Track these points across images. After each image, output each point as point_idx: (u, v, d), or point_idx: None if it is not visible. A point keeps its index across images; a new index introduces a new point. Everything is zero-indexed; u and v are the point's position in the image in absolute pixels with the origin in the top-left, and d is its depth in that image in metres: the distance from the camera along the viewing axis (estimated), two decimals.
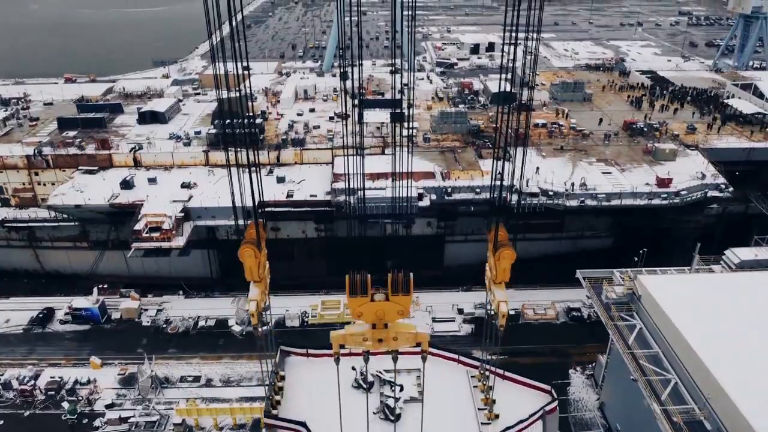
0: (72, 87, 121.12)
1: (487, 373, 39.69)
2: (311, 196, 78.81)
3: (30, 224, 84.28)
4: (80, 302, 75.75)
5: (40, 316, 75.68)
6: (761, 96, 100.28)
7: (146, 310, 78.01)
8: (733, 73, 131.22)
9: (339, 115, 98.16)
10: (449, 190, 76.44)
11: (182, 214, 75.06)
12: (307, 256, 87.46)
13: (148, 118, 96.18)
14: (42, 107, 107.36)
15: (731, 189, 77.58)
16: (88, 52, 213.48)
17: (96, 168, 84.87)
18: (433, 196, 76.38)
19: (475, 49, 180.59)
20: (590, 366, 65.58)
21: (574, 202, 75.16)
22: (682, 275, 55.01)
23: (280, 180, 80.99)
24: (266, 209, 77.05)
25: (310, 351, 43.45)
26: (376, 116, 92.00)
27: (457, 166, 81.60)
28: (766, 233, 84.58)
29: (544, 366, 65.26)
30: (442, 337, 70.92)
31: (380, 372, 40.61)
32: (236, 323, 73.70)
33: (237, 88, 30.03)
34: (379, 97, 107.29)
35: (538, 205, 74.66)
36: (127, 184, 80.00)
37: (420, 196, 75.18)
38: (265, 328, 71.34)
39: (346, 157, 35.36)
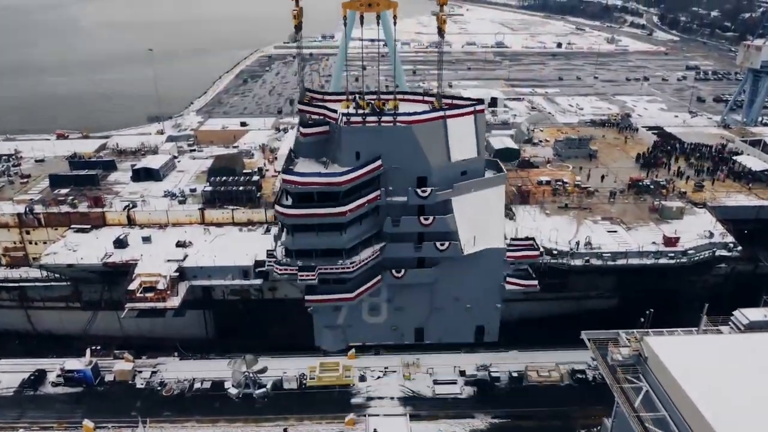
0: (64, 143, 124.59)
1: None
2: None
3: (21, 284, 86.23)
4: (73, 364, 77.08)
5: (32, 378, 76.86)
6: None
7: (140, 371, 79.26)
8: (742, 128, 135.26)
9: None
10: None
11: (177, 274, 76.96)
12: (307, 316, 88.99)
13: (142, 175, 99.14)
14: (33, 164, 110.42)
15: (740, 248, 79.58)
16: (81, 108, 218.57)
17: (89, 226, 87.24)
18: None
19: None
20: (595, 429, 66.37)
21: (578, 262, 77.28)
22: (690, 336, 56.42)
23: (277, 239, 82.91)
24: (264, 269, 79.24)
25: None
26: None
27: None
28: None
29: (549, 430, 66.13)
30: (443, 400, 71.92)
31: None
32: (233, 386, 74.75)
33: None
34: None
35: (542, 264, 76.47)
36: (120, 243, 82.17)
37: None
38: (261, 390, 72.76)
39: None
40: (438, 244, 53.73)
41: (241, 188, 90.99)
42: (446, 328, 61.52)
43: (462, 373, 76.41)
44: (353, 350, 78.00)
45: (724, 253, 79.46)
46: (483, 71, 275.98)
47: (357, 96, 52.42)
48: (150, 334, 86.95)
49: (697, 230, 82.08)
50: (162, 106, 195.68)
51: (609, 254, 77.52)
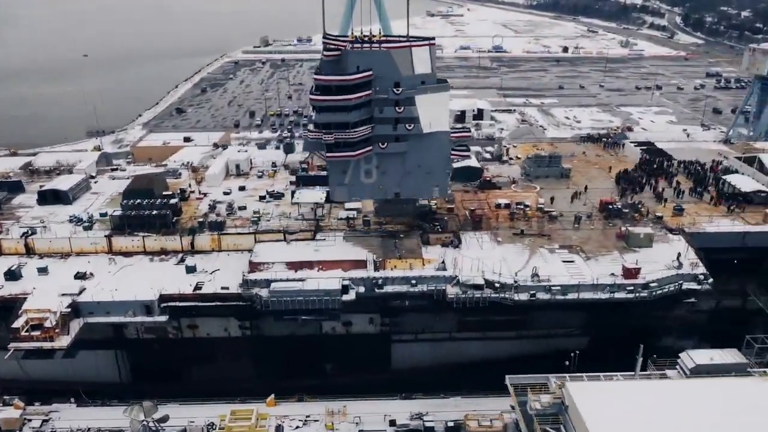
0: None
1: None
2: (222, 288, 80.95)
3: None
4: None
5: None
6: None
7: (30, 420, 78.58)
8: (744, 144, 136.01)
9: (272, 194, 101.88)
10: (380, 281, 78.69)
11: (69, 310, 76.96)
12: (232, 358, 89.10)
13: (49, 197, 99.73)
14: None
15: (710, 280, 79.79)
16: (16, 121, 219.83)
17: None
18: (361, 289, 78.62)
19: (460, 117, 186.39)
20: None
21: (523, 296, 77.33)
22: (616, 383, 56.88)
23: (190, 270, 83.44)
24: (170, 304, 79.55)
25: None
26: (311, 196, 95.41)
27: (395, 254, 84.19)
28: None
29: None
30: None
31: None
32: None
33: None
34: (325, 173, 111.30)
35: (481, 299, 76.79)
36: (12, 275, 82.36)
37: (345, 289, 77.33)
38: None
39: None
40: (407, 125, 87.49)
41: (155, 212, 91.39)
42: (413, 188, 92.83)
43: (392, 423, 75.82)
44: (272, 396, 77.90)
45: (692, 286, 79.65)
46: (475, 79, 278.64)
47: (357, 36, 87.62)
48: (54, 377, 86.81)
49: (666, 260, 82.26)
50: (107, 118, 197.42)
51: (558, 287, 77.61)
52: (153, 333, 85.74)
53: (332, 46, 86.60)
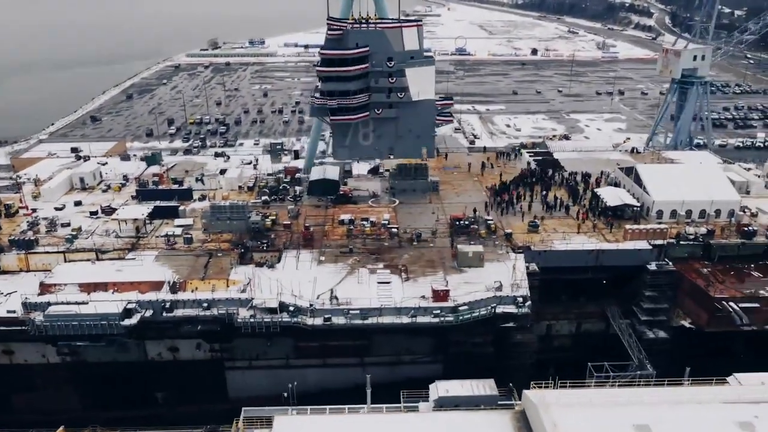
0: None
1: None
2: (9, 312, 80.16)
3: None
4: None
5: None
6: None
7: None
8: (654, 153, 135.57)
9: (104, 209, 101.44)
10: (167, 305, 78.03)
11: None
12: (54, 387, 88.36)
13: None
14: None
15: (529, 303, 79.06)
16: None
17: None
18: (149, 313, 77.90)
19: None
20: None
21: (318, 321, 76.69)
22: (329, 416, 56.60)
23: None
24: None
25: None
26: (132, 211, 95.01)
27: (199, 275, 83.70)
28: (621, 359, 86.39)
29: None
30: None
31: None
32: None
33: None
34: (176, 186, 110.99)
35: (272, 323, 76.26)
36: None
37: (129, 313, 76.62)
38: None
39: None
40: (398, 94, 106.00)
41: None
42: (404, 148, 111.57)
43: None
44: (62, 427, 76.86)
45: (510, 309, 78.84)
46: None
47: (356, 19, 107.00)
48: None
49: (489, 282, 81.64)
50: (15, 128, 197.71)
51: (357, 311, 76.90)
52: None
53: (335, 27, 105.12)
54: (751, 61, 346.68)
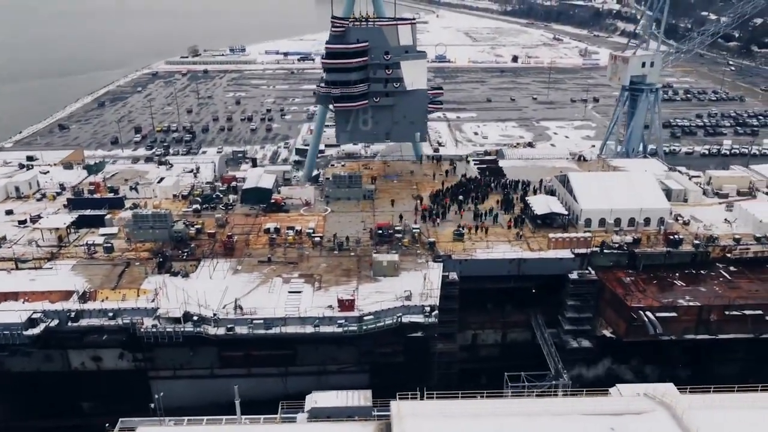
0: None
1: None
2: None
3: None
4: None
5: None
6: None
7: None
8: (600, 160, 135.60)
9: (32, 218, 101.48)
10: (73, 314, 77.98)
11: None
12: None
13: None
14: None
15: (436, 312, 78.99)
16: None
17: None
18: (55, 322, 77.82)
19: None
20: None
21: (221, 330, 76.66)
22: (184, 428, 56.74)
23: None
24: None
25: None
26: (54, 220, 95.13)
27: (110, 285, 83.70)
28: (544, 368, 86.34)
29: None
30: None
31: None
32: None
33: None
34: (111, 195, 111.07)
35: (174, 333, 76.20)
36: None
37: (33, 323, 76.59)
38: None
39: None
40: (394, 84, 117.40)
41: None
42: (399, 133, 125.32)
43: None
44: None
45: (417, 319, 78.78)
46: None
47: (356, 18, 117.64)
48: None
49: (412, 289, 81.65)
50: None
51: (261, 321, 76.87)
52: None
53: (338, 24, 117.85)
54: (732, 68, 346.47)
